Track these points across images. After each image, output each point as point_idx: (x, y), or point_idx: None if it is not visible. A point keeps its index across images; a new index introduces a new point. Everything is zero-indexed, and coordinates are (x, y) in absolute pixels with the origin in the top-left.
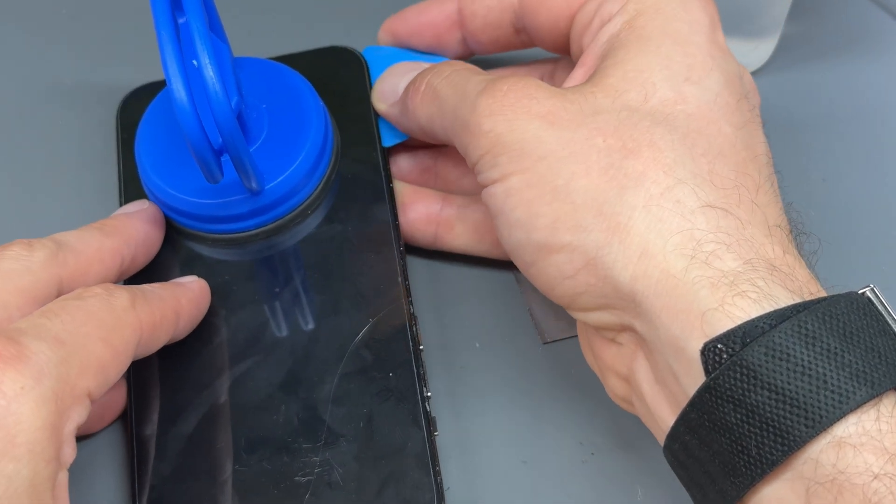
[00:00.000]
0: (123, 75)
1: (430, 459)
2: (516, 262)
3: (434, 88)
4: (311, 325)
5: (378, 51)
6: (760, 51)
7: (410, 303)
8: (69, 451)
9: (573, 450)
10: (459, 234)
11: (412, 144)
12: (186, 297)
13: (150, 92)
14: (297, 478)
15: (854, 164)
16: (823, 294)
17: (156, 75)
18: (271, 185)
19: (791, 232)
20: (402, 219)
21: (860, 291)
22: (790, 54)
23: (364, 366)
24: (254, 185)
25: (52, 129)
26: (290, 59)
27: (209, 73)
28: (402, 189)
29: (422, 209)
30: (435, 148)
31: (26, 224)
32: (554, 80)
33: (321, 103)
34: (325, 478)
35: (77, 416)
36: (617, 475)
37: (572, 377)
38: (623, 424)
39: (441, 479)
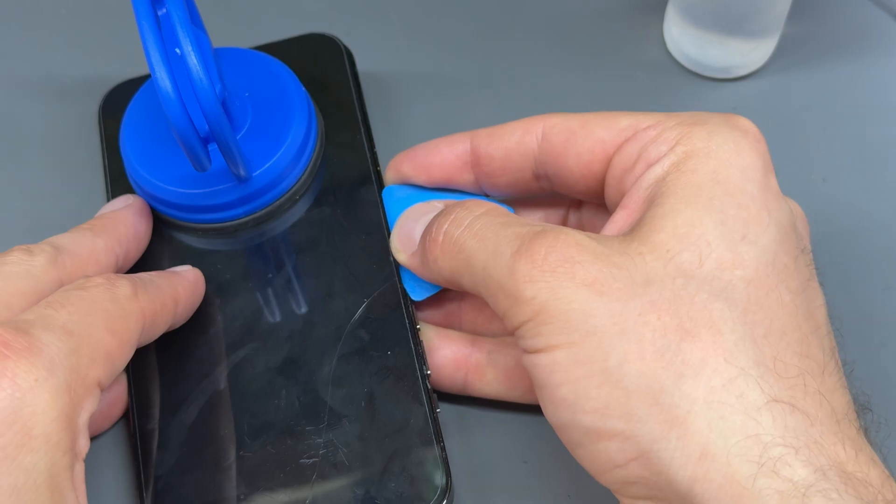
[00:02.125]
0: (101, 72)
1: (433, 435)
2: (561, 439)
3: (455, 241)
4: (306, 309)
5: (394, 191)
6: (760, 51)
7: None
8: (83, 442)
9: None
10: (491, 380)
11: None
12: (183, 285)
13: (130, 88)
14: (302, 460)
15: (854, 164)
16: None
17: (135, 72)
18: (258, 171)
19: (857, 415)
20: (429, 363)
21: None
22: (790, 54)
23: (362, 346)
24: (241, 171)
25: (32, 127)
26: (269, 48)
27: (192, 60)
28: (427, 332)
29: (449, 354)
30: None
31: (12, 221)
32: (582, 216)
33: (303, 89)
34: (330, 458)
35: (89, 407)
36: None
37: None
38: None
39: (446, 454)
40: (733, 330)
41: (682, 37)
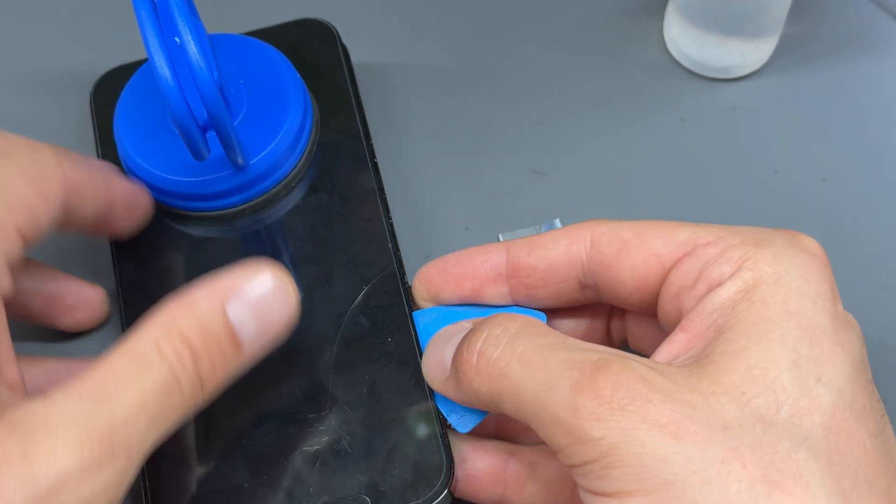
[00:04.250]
0: (89, 60)
1: (436, 420)
2: None
3: (494, 363)
4: (306, 297)
5: (421, 316)
6: (760, 51)
7: (402, 268)
8: (4, 283)
9: None
10: (530, 493)
11: None
12: (118, 177)
13: (121, 75)
14: (305, 448)
15: (854, 164)
16: None
17: (124, 58)
18: (255, 159)
19: None
20: (461, 473)
21: None
22: (790, 54)
23: (362, 333)
24: (239, 159)
25: (22, 116)
26: (260, 34)
27: (192, 48)
28: (460, 444)
29: (485, 465)
30: None
31: None
32: (625, 325)
33: (298, 75)
34: (332, 446)
35: (8, 249)
36: None
37: None
38: None
39: (449, 441)
40: (822, 483)
41: (682, 37)
